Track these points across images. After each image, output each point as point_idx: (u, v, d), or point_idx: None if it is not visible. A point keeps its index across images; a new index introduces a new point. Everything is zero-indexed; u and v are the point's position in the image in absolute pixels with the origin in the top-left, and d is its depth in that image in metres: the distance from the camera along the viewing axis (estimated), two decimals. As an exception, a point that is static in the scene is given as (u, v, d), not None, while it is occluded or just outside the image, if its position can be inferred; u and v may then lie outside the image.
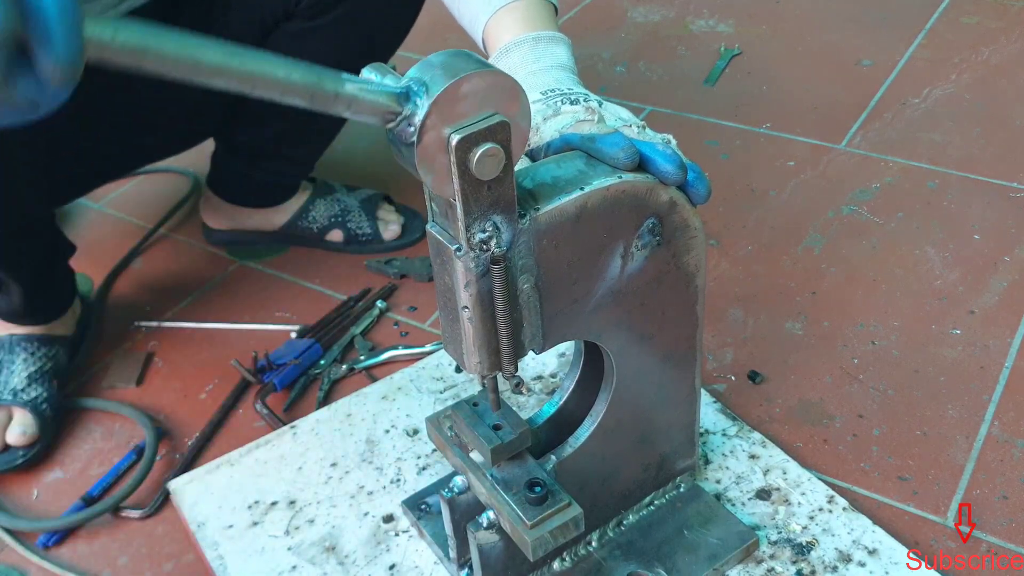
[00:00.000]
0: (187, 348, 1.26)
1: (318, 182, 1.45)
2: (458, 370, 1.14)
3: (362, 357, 1.21)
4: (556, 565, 0.88)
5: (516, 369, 0.72)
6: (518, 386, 0.75)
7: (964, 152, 1.49)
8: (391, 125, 0.61)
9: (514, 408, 0.81)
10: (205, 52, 0.54)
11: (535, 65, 0.82)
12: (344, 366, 1.20)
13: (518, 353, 0.72)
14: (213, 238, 1.45)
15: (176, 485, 1.03)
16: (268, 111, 1.26)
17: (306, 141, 1.35)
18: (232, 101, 1.23)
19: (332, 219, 1.41)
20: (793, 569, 0.88)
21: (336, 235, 1.41)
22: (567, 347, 1.12)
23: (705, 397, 1.06)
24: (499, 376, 0.74)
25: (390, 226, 1.41)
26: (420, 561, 0.92)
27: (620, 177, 0.71)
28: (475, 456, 0.81)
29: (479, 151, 0.61)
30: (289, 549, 0.95)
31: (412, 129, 0.60)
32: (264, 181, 1.38)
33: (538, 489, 0.76)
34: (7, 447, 1.11)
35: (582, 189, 0.69)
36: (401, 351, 1.21)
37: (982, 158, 1.47)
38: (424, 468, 1.02)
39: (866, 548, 0.90)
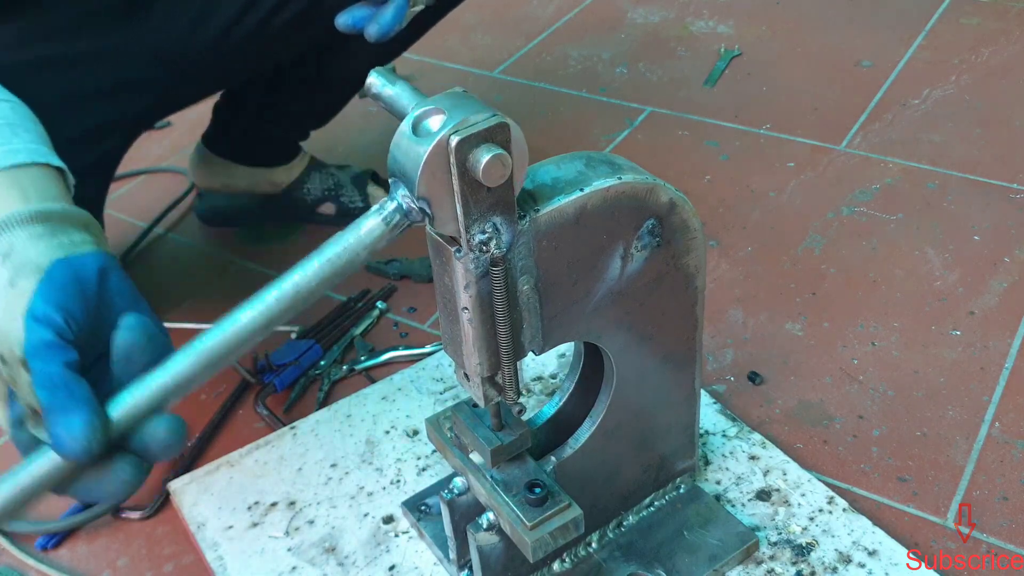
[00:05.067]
0: (187, 349, 1.26)
1: (311, 158, 1.47)
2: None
3: (362, 358, 1.21)
4: (556, 566, 0.88)
5: (519, 396, 0.72)
6: (520, 413, 0.75)
7: (964, 153, 1.49)
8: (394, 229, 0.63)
9: (514, 409, 0.81)
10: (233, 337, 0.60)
11: None
12: (344, 367, 1.20)
13: (518, 355, 0.72)
14: (203, 206, 1.47)
15: (176, 486, 1.03)
16: (300, 81, 1.29)
17: (321, 103, 1.38)
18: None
19: (326, 192, 1.44)
20: (793, 570, 0.88)
21: (328, 208, 1.45)
22: (567, 348, 1.12)
23: (705, 398, 1.06)
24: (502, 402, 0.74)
25: (379, 200, 1.44)
26: (420, 562, 0.92)
27: (620, 178, 0.71)
28: (475, 457, 0.81)
29: (486, 158, 0.60)
30: (289, 550, 0.95)
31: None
32: (269, 136, 1.40)
33: (538, 490, 0.76)
34: None
35: (582, 190, 0.69)
36: (401, 352, 1.21)
37: (982, 159, 1.47)
38: (424, 469, 1.02)
39: (866, 549, 0.90)
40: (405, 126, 0.62)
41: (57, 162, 0.69)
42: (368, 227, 0.63)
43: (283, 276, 0.61)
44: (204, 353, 0.60)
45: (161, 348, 0.60)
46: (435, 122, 0.61)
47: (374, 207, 0.64)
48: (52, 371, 0.55)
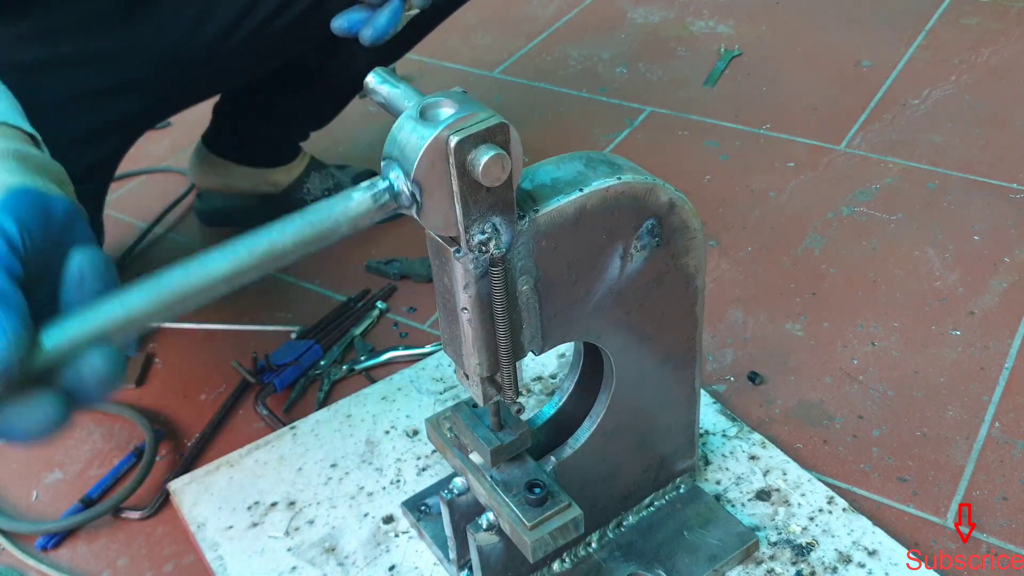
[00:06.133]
0: (187, 349, 1.27)
1: (311, 158, 1.47)
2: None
3: (362, 358, 1.21)
4: (556, 566, 0.88)
5: (518, 395, 0.72)
6: (519, 412, 0.75)
7: (964, 153, 1.49)
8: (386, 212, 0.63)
9: (514, 409, 0.81)
10: (205, 273, 0.56)
11: None
12: (344, 367, 1.20)
13: (518, 355, 0.72)
14: (203, 206, 1.47)
15: (176, 486, 1.03)
16: (296, 81, 1.30)
17: (321, 104, 1.39)
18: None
19: (326, 192, 1.44)
20: (793, 570, 0.88)
21: None
22: (567, 348, 1.12)
23: (705, 398, 1.06)
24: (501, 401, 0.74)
25: None
26: (420, 562, 0.92)
27: (619, 178, 0.71)
28: (475, 457, 0.81)
29: (485, 157, 0.60)
30: (289, 550, 0.95)
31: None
32: (269, 136, 1.40)
33: (538, 490, 0.76)
34: None
35: (581, 190, 0.69)
36: (401, 352, 1.21)
37: (982, 159, 1.47)
38: (424, 469, 1.02)
39: (866, 549, 0.90)
40: (412, 111, 0.62)
41: (31, 129, 0.68)
42: (356, 200, 0.61)
43: (259, 230, 0.58)
44: (162, 290, 0.54)
45: (115, 282, 0.55)
46: (446, 111, 0.61)
47: (365, 183, 0.62)
48: None
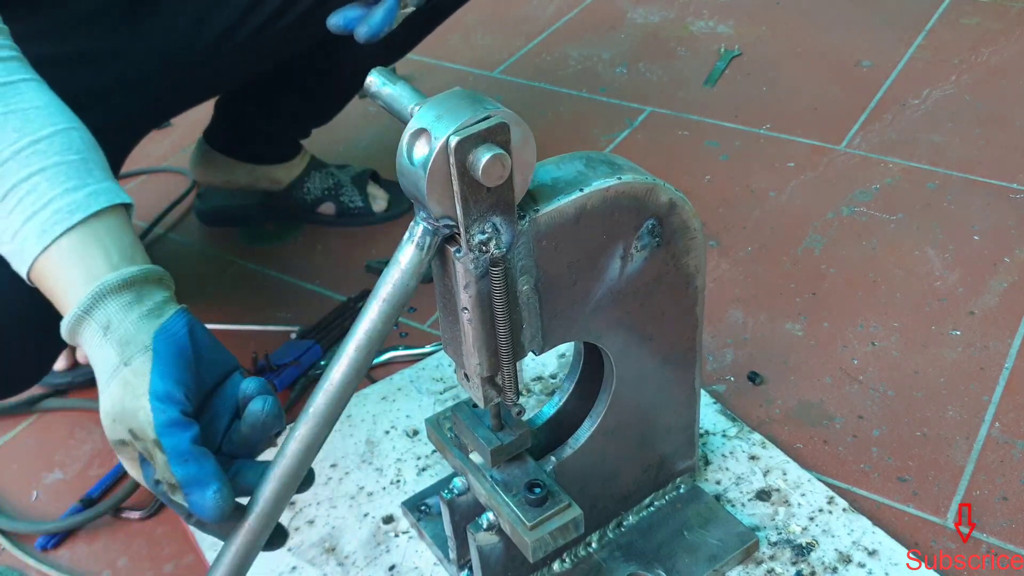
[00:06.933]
0: (187, 349, 1.26)
1: (312, 157, 1.47)
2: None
3: (362, 358, 1.21)
4: (556, 566, 0.88)
5: (519, 397, 0.73)
6: (519, 414, 0.75)
7: (964, 153, 1.49)
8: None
9: (514, 409, 0.81)
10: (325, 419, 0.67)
11: None
12: (344, 367, 1.20)
13: (518, 355, 0.72)
14: (203, 206, 1.47)
15: (176, 486, 1.03)
16: (295, 77, 1.30)
17: (322, 102, 1.39)
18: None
19: (326, 191, 1.44)
20: (793, 570, 0.88)
21: (328, 208, 1.45)
22: (567, 348, 1.12)
23: (705, 398, 1.06)
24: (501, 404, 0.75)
25: (378, 200, 1.46)
26: (420, 562, 0.92)
27: (619, 178, 0.71)
28: (475, 457, 0.81)
29: (485, 157, 0.60)
30: (289, 550, 0.94)
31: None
32: (270, 133, 1.40)
33: (538, 490, 0.76)
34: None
35: (581, 190, 0.69)
36: (401, 352, 1.21)
37: (982, 159, 1.47)
38: (424, 469, 1.02)
39: (866, 549, 0.90)
40: (402, 151, 0.63)
41: (127, 198, 0.73)
42: (406, 257, 0.65)
43: (353, 328, 0.67)
44: (319, 417, 0.67)
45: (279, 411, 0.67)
46: (422, 147, 0.62)
47: (405, 236, 0.65)
48: (183, 448, 0.62)
